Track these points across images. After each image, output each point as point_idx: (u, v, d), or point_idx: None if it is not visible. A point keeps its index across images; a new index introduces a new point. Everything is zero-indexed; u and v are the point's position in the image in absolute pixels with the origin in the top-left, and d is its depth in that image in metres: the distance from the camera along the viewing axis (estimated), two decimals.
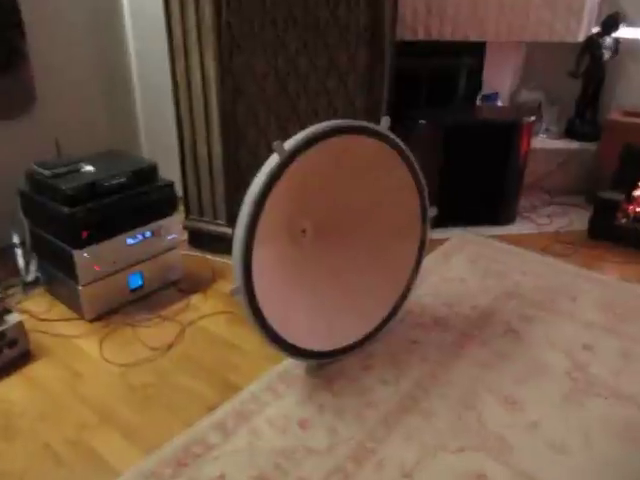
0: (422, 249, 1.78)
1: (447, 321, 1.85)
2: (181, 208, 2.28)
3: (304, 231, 1.68)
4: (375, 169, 1.64)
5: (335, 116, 2.24)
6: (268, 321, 1.44)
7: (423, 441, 1.36)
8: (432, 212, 1.78)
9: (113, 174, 1.82)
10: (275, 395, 1.53)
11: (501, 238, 2.46)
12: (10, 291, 2.00)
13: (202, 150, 2.14)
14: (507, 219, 2.61)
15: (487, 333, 1.78)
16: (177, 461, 1.32)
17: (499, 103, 2.96)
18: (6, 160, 2.07)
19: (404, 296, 1.77)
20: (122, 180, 1.82)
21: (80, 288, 1.79)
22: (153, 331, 1.81)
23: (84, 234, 1.72)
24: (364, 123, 1.51)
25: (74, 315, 1.87)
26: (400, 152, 1.61)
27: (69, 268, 1.78)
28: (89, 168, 1.85)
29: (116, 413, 1.48)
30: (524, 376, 1.58)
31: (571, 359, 1.65)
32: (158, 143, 2.57)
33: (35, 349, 1.70)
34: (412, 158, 1.64)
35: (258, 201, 1.34)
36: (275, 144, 1.34)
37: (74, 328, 1.82)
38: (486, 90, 2.96)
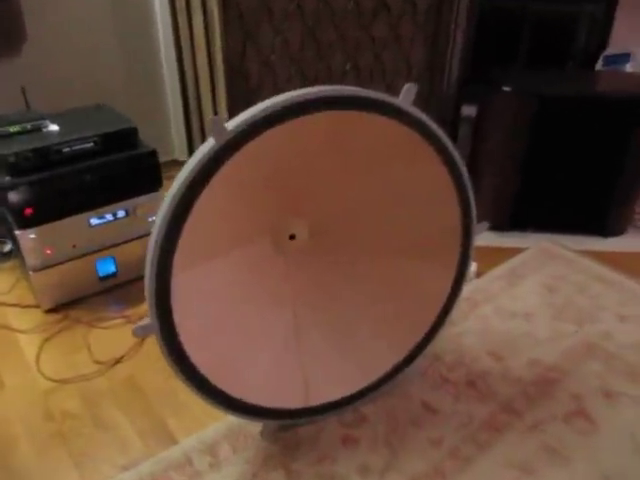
0: (460, 278, 1.24)
1: (487, 382, 1.31)
2: None
3: (292, 237, 1.22)
4: (394, 162, 1.12)
5: (383, 75, 1.70)
6: (197, 367, 1.02)
7: None
8: (481, 228, 1.22)
9: (77, 137, 1.45)
10: (213, 462, 1.12)
11: (600, 256, 1.80)
12: None
13: (209, 115, 1.71)
14: (614, 229, 1.92)
15: (543, 412, 1.23)
16: None
17: (628, 68, 2.19)
18: None
19: (426, 341, 1.26)
20: (86, 145, 1.45)
21: (31, 274, 1.48)
22: (108, 336, 1.47)
23: (27, 211, 1.38)
24: (372, 94, 0.98)
25: (33, 301, 1.58)
26: (430, 138, 1.06)
27: (18, 250, 1.47)
28: (53, 128, 1.50)
29: (14, 450, 1.15)
30: None
31: None
32: None
33: None
34: (452, 149, 1.09)
35: (180, 205, 0.90)
36: (210, 121, 0.87)
37: (25, 319, 1.53)
38: (613, 49, 2.19)
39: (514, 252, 1.82)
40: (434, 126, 1.05)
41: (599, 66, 2.19)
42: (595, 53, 2.21)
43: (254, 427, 1.19)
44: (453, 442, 1.16)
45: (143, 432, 1.20)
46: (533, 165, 1.82)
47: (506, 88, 1.77)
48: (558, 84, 1.86)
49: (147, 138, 1.62)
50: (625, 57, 2.18)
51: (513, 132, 1.78)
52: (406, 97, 1.01)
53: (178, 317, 0.97)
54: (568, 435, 1.17)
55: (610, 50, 2.20)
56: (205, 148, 0.89)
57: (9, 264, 1.75)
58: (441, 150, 1.08)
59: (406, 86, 1.01)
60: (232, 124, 0.89)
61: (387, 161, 1.11)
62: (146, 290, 0.94)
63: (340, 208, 1.20)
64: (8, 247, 1.76)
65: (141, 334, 0.96)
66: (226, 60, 1.54)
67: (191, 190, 0.89)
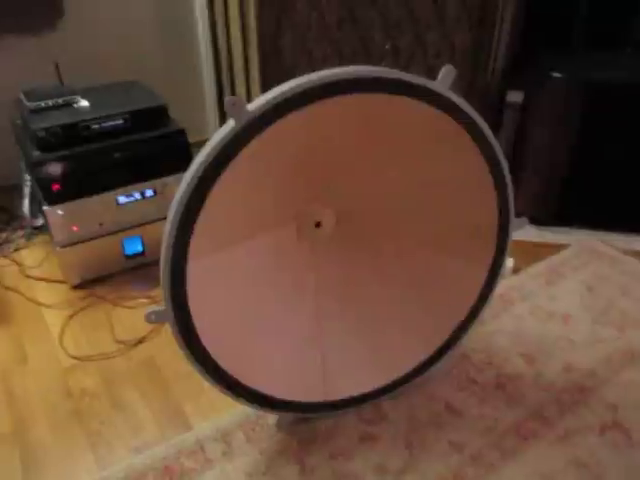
0: (494, 276, 1.16)
1: (517, 386, 1.24)
2: None
3: (318, 225, 1.17)
4: (429, 150, 1.05)
5: (424, 57, 1.61)
6: (213, 356, 0.99)
7: None
8: (520, 224, 1.14)
9: (107, 114, 1.43)
10: (226, 451, 1.10)
11: None
12: (16, 234, 1.78)
13: (241, 93, 1.67)
14: None
15: (575, 422, 1.15)
16: None
17: None
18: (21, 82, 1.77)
19: (454, 339, 1.20)
20: (115, 122, 1.43)
21: (58, 249, 1.48)
22: (131, 315, 1.46)
23: (55, 187, 1.38)
24: (406, 76, 0.91)
25: (60, 277, 1.59)
26: (469, 126, 0.99)
27: (47, 225, 1.47)
28: (84, 103, 1.48)
29: (32, 428, 1.16)
30: None
31: None
32: None
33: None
34: (491, 137, 1.02)
35: (198, 189, 0.86)
36: (228, 101, 0.82)
37: (52, 294, 1.54)
38: None
39: (556, 249, 1.72)
40: (473, 112, 0.98)
41: None
42: None
43: (270, 417, 1.16)
44: (476, 447, 1.10)
45: (158, 415, 1.18)
46: (582, 157, 1.70)
47: (556, 74, 1.65)
48: (613, 70, 1.73)
49: (180, 117, 1.59)
50: None
51: (562, 121, 1.66)
52: (444, 80, 0.94)
53: (194, 305, 0.94)
54: (601, 450, 1.09)
55: None
56: (225, 130, 0.84)
57: (40, 239, 1.76)
58: (479, 138, 1.01)
59: (445, 68, 0.94)
60: (254, 105, 0.84)
61: (420, 149, 1.04)
62: (161, 275, 0.92)
63: (369, 197, 1.14)
64: (40, 222, 1.78)
65: (154, 321, 0.94)
66: (260, 37, 1.49)
67: (209, 173, 0.85)
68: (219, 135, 0.85)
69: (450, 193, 1.10)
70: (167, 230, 0.88)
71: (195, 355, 0.97)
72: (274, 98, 0.84)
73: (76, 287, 1.55)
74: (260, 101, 0.84)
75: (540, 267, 1.64)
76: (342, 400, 1.15)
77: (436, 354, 1.20)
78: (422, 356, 1.19)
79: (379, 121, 0.99)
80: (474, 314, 1.16)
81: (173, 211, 0.86)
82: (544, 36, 1.77)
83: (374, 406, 1.19)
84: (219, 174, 0.86)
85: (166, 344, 1.37)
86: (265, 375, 1.07)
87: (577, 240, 1.75)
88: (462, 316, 1.17)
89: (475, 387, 1.23)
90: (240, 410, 1.17)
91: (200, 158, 0.85)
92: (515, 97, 1.87)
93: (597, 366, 1.29)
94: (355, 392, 1.15)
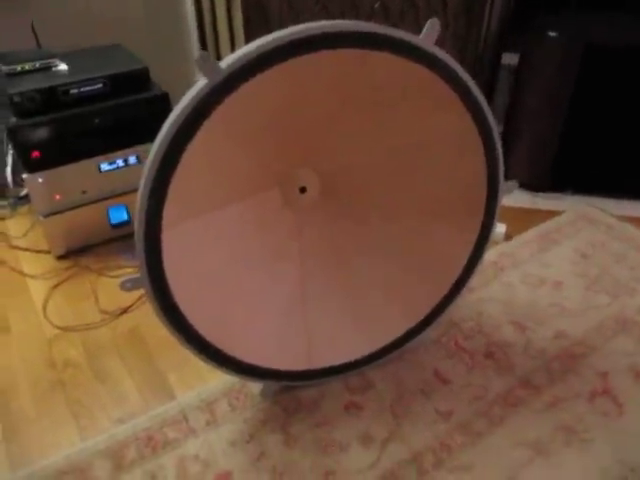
0: (483, 242, 1.13)
1: (507, 354, 1.22)
2: None
3: (303, 190, 1.13)
4: (412, 109, 1.01)
5: (416, 17, 1.55)
6: (193, 325, 0.97)
7: None
8: (510, 187, 1.11)
9: (85, 78, 1.38)
10: (210, 420, 1.08)
11: None
12: (0, 204, 1.75)
13: (226, 53, 1.61)
14: None
15: (564, 390, 1.13)
16: None
17: None
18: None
19: (442, 307, 1.17)
20: (94, 87, 1.38)
21: (42, 219, 1.45)
22: (116, 285, 1.43)
23: (34, 154, 1.34)
24: (386, 30, 0.86)
25: (45, 247, 1.56)
26: (455, 83, 0.94)
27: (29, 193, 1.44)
28: (62, 67, 1.43)
29: (15, 398, 1.15)
30: None
31: None
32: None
33: None
34: (477, 93, 0.97)
35: (169, 151, 0.82)
36: (199, 57, 0.78)
37: (36, 264, 1.51)
38: None
39: (549, 215, 1.68)
40: (460, 69, 0.93)
41: None
42: None
43: (255, 386, 1.14)
44: (463, 415, 1.08)
45: (142, 386, 1.17)
46: (578, 120, 1.65)
47: (552, 33, 1.59)
48: (609, 31, 1.66)
49: (165, 81, 1.54)
50: None
51: (557, 83, 1.61)
52: (428, 35, 0.89)
53: (170, 272, 0.91)
54: (590, 416, 1.08)
55: None
56: (196, 88, 0.80)
57: (25, 208, 1.73)
58: (465, 95, 0.96)
59: (429, 21, 0.89)
60: (226, 61, 0.80)
61: (405, 109, 1.00)
62: (135, 241, 0.88)
63: (354, 160, 1.11)
64: (24, 191, 1.74)
65: (130, 288, 0.91)
66: None
67: (181, 134, 0.81)
68: (190, 94, 0.80)
69: (437, 155, 1.06)
70: (140, 194, 0.84)
71: (174, 324, 0.95)
72: (246, 54, 0.79)
73: (61, 257, 1.53)
74: (232, 57, 0.80)
75: (532, 234, 1.60)
76: (327, 368, 1.13)
77: (423, 322, 1.18)
78: (408, 324, 1.17)
79: (360, 79, 0.95)
80: (462, 281, 1.14)
81: (145, 175, 0.83)
82: None
83: (360, 375, 1.17)
84: (192, 136, 0.82)
85: (151, 314, 1.34)
86: (248, 344, 1.04)
87: (571, 206, 1.72)
88: (450, 283, 1.14)
89: (464, 355, 1.22)
90: (225, 379, 1.16)
91: (172, 118, 0.81)
92: (510, 59, 1.80)
93: (588, 333, 1.27)
94: (340, 360, 1.14)
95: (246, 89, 0.82)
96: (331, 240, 1.16)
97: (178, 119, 0.80)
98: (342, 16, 1.50)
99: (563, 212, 1.70)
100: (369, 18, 1.47)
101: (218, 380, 1.16)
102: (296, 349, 1.11)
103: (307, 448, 1.03)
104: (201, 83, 0.80)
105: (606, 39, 1.56)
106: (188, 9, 1.81)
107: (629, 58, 1.56)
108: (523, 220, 1.64)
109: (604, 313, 1.32)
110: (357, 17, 1.49)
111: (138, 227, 0.86)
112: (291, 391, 1.14)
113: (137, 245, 0.87)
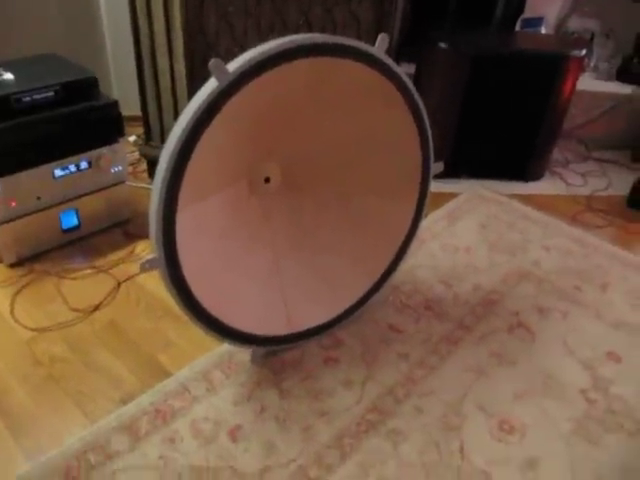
0: (420, 212, 1.39)
1: (441, 305, 1.49)
2: (138, 134, 1.90)
3: (267, 180, 1.31)
4: (364, 106, 1.23)
5: (334, 31, 1.79)
6: (197, 299, 1.10)
7: (384, 476, 1.05)
8: (437, 168, 1.38)
9: (37, 86, 1.42)
10: (209, 388, 1.21)
11: (524, 199, 2.04)
12: None
13: (163, 64, 1.72)
14: (534, 174, 2.17)
15: (489, 326, 1.43)
16: (65, 472, 1.03)
17: (542, 30, 2.43)
18: None
19: (391, 269, 1.41)
20: (46, 94, 1.43)
21: None
22: (81, 285, 1.49)
23: None
24: (349, 41, 1.08)
25: None
26: (399, 85, 1.19)
27: None
28: (8, 76, 1.46)
29: (8, 395, 1.18)
30: (528, 391, 1.24)
31: (591, 372, 1.30)
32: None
33: None
34: (415, 94, 1.22)
35: (187, 142, 0.96)
36: (212, 63, 0.93)
37: None
38: (528, 13, 2.42)
39: (451, 197, 2.02)
40: (403, 75, 1.17)
41: (517, 28, 2.41)
42: (513, 16, 2.43)
43: (242, 355, 1.29)
44: (419, 355, 1.33)
45: (135, 368, 1.26)
46: (467, 118, 2.00)
47: (442, 45, 1.92)
48: (486, 43, 2.05)
49: None
50: (539, 20, 2.42)
51: (450, 87, 1.94)
52: (380, 46, 1.12)
53: (180, 252, 1.04)
54: (511, 343, 1.38)
55: (526, 14, 2.43)
56: (209, 88, 0.95)
57: None
58: (407, 97, 1.21)
59: (380, 36, 1.12)
60: (233, 66, 0.96)
61: (359, 106, 1.22)
62: (151, 225, 1.00)
63: (312, 151, 1.30)
64: None
65: (148, 268, 1.02)
66: (184, 14, 1.56)
67: (196, 129, 0.95)
68: (204, 93, 0.95)
69: (383, 144, 1.29)
70: (157, 182, 0.97)
71: (183, 299, 1.07)
72: (251, 60, 0.96)
73: (13, 265, 1.53)
74: (238, 62, 0.96)
75: (441, 212, 1.92)
76: (304, 331, 1.31)
77: (377, 284, 1.41)
78: (367, 286, 1.39)
79: (325, 82, 1.15)
80: (407, 243, 1.38)
81: (164, 164, 0.95)
82: (429, 14, 2.03)
83: (331, 335, 1.37)
84: (204, 130, 0.97)
85: (123, 307, 1.43)
86: (240, 314, 1.19)
87: (467, 188, 2.07)
88: (396, 248, 1.39)
89: (409, 310, 1.47)
90: (213, 353, 1.29)
91: (189, 113, 0.95)
92: (407, 68, 2.12)
93: (498, 284, 1.58)
94: (314, 322, 1.32)
95: (245, 91, 0.99)
96: (297, 220, 1.35)
97: (195, 114, 0.94)
98: (271, 30, 1.70)
99: (461, 194, 2.04)
100: (295, 32, 1.67)
101: (207, 355, 1.29)
102: (278, 316, 1.28)
103: (300, 398, 1.20)
104: (212, 84, 0.95)
105: (485, 50, 1.93)
106: (105, 23, 1.89)
107: (502, 65, 1.94)
108: (432, 202, 1.94)
109: (507, 267, 1.65)
110: (285, 31, 1.69)
111: (156, 210, 0.98)
112: (276, 354, 1.30)
113: (154, 226, 0.99)
